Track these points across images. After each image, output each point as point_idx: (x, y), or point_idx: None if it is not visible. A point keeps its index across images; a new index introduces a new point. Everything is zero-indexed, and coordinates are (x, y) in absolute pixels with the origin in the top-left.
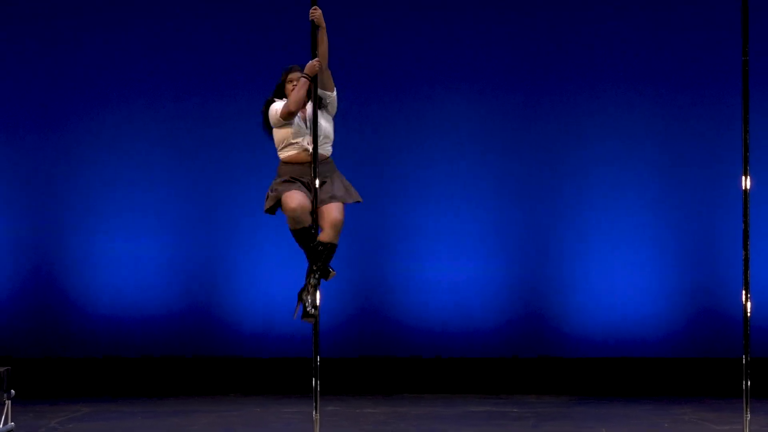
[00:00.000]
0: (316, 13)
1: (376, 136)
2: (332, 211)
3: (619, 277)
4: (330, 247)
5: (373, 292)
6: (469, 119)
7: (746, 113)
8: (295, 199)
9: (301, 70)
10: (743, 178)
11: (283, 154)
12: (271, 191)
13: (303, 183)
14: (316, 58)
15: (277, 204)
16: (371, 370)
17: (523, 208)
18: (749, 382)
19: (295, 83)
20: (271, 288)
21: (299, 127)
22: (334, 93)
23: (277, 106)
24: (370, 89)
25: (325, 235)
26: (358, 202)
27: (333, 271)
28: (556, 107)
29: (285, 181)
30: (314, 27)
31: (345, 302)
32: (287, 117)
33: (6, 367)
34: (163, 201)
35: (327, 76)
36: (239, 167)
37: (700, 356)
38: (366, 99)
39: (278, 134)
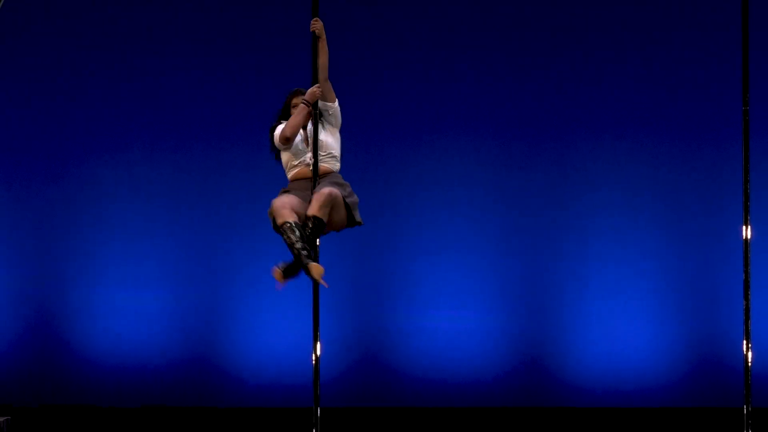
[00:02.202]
0: (317, 25)
1: (377, 186)
2: (320, 189)
3: (620, 326)
4: (313, 221)
5: (374, 342)
6: (470, 169)
7: (746, 163)
8: (281, 198)
9: (304, 94)
10: (744, 227)
11: (289, 174)
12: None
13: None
14: (317, 85)
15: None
16: (372, 420)
17: (524, 258)
18: None
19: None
20: (272, 338)
21: (297, 150)
22: (336, 104)
23: (280, 130)
24: (370, 140)
25: (310, 209)
26: (358, 223)
27: (318, 265)
28: (557, 158)
29: (281, 192)
30: (315, 38)
31: (346, 352)
32: (284, 142)
33: (6, 417)
34: (163, 251)
35: (327, 88)
36: (240, 217)
37: (701, 406)
38: (366, 149)
39: (283, 157)
